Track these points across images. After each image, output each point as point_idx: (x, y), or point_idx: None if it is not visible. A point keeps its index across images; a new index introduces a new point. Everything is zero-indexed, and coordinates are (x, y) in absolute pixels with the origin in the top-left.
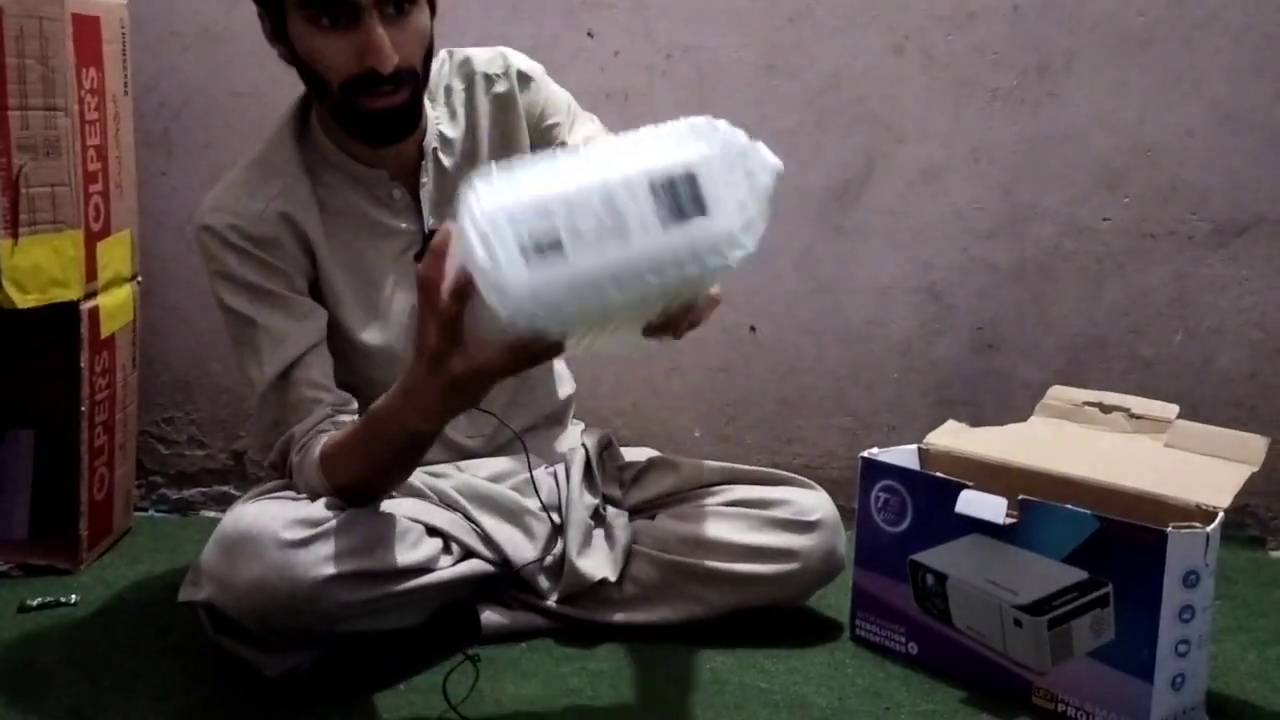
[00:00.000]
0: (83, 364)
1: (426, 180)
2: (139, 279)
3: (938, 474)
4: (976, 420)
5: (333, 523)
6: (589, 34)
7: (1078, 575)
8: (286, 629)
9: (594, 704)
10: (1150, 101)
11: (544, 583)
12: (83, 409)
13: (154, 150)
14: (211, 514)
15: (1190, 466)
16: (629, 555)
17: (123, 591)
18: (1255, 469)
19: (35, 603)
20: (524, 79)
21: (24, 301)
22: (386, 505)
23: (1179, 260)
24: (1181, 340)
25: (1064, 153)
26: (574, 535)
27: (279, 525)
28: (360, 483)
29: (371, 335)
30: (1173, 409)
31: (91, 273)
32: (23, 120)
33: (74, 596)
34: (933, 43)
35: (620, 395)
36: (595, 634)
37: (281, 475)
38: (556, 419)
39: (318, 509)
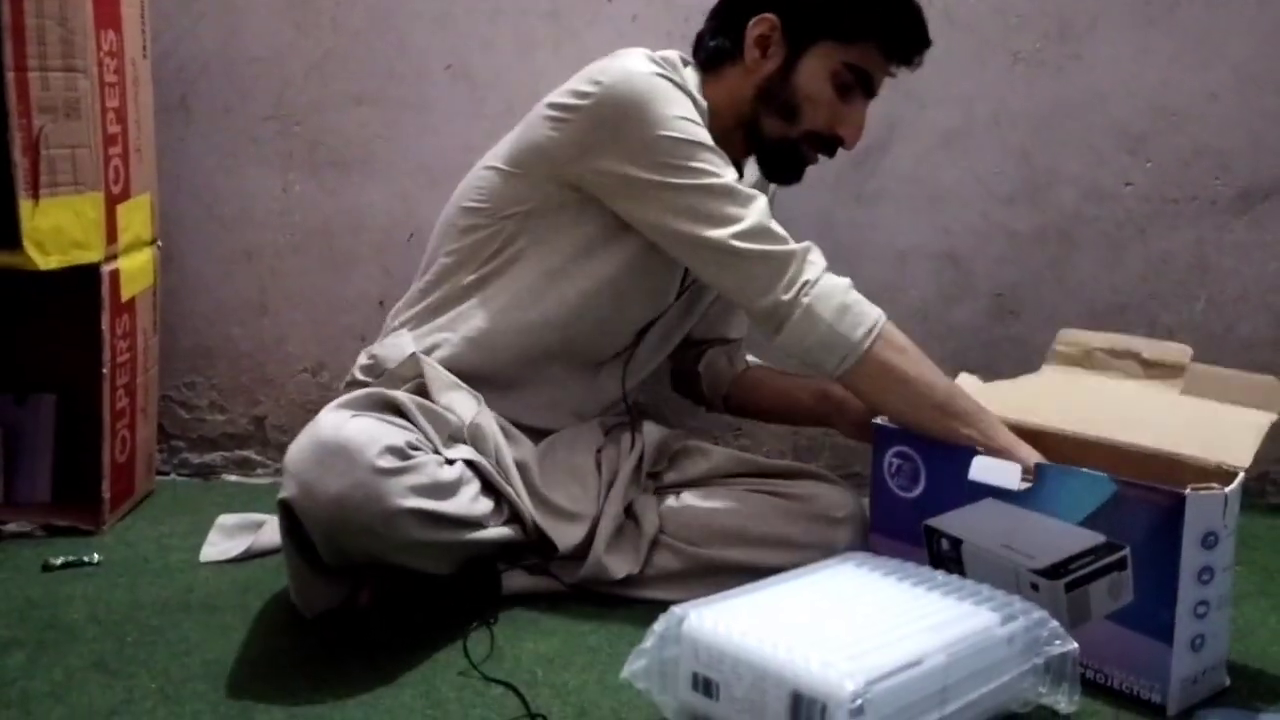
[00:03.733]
0: (104, 326)
1: None
2: (159, 243)
3: None
4: None
5: (417, 459)
6: None
7: (1095, 538)
8: (355, 548)
9: (613, 662)
10: (1173, 65)
11: (563, 569)
12: (104, 371)
13: (172, 115)
14: (233, 478)
15: (1209, 419)
16: (654, 544)
17: (145, 551)
18: (1275, 415)
19: (59, 562)
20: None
21: (45, 263)
22: (458, 455)
23: (1201, 225)
24: (1203, 307)
25: (1085, 117)
26: (605, 529)
27: (375, 450)
28: (898, 382)
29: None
30: (1186, 351)
31: (112, 235)
32: (43, 81)
33: (97, 556)
34: (954, 5)
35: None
36: (615, 596)
37: (785, 263)
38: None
39: (407, 440)
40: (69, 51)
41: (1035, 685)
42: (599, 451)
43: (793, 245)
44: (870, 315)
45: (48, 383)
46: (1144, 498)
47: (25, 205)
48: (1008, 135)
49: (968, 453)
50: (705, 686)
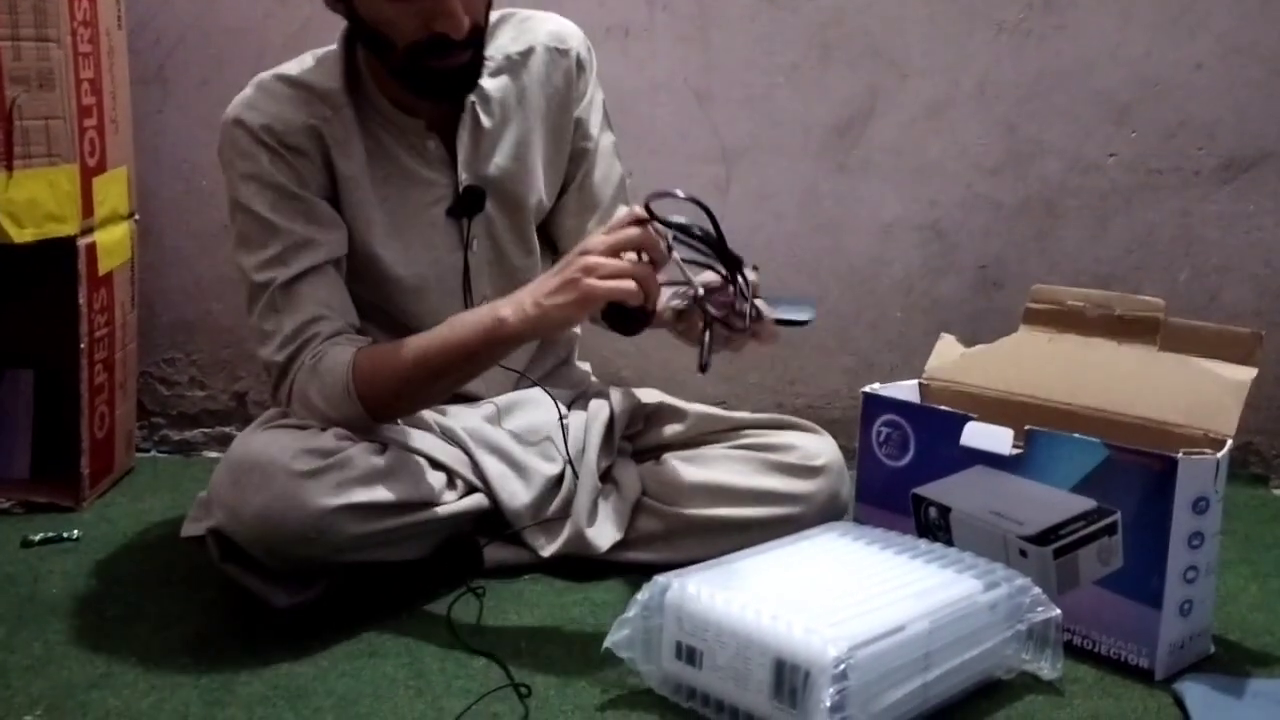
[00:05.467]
0: (81, 300)
1: (464, 134)
2: (136, 217)
3: (941, 407)
4: None
5: (342, 454)
6: None
7: (1085, 504)
8: (294, 558)
9: (596, 634)
10: (1158, 34)
11: (540, 540)
12: (82, 346)
13: (149, 88)
14: (214, 454)
15: (1191, 380)
16: (636, 506)
17: (125, 528)
18: (1254, 372)
19: (38, 538)
20: (581, 66)
21: (20, 236)
22: (391, 436)
23: (1185, 196)
24: (1187, 277)
25: (1070, 87)
26: (583, 501)
27: (289, 456)
28: (395, 394)
29: (403, 271)
30: (1159, 305)
31: (88, 208)
32: (14, 51)
33: (76, 532)
34: None
35: (622, 336)
36: (598, 567)
37: (282, 375)
38: (566, 359)
39: (327, 440)
40: (41, 20)
41: (1018, 652)
42: (563, 419)
43: (275, 356)
44: (333, 385)
45: (25, 358)
46: (1136, 462)
47: None
48: (992, 106)
49: (959, 420)
50: (689, 655)
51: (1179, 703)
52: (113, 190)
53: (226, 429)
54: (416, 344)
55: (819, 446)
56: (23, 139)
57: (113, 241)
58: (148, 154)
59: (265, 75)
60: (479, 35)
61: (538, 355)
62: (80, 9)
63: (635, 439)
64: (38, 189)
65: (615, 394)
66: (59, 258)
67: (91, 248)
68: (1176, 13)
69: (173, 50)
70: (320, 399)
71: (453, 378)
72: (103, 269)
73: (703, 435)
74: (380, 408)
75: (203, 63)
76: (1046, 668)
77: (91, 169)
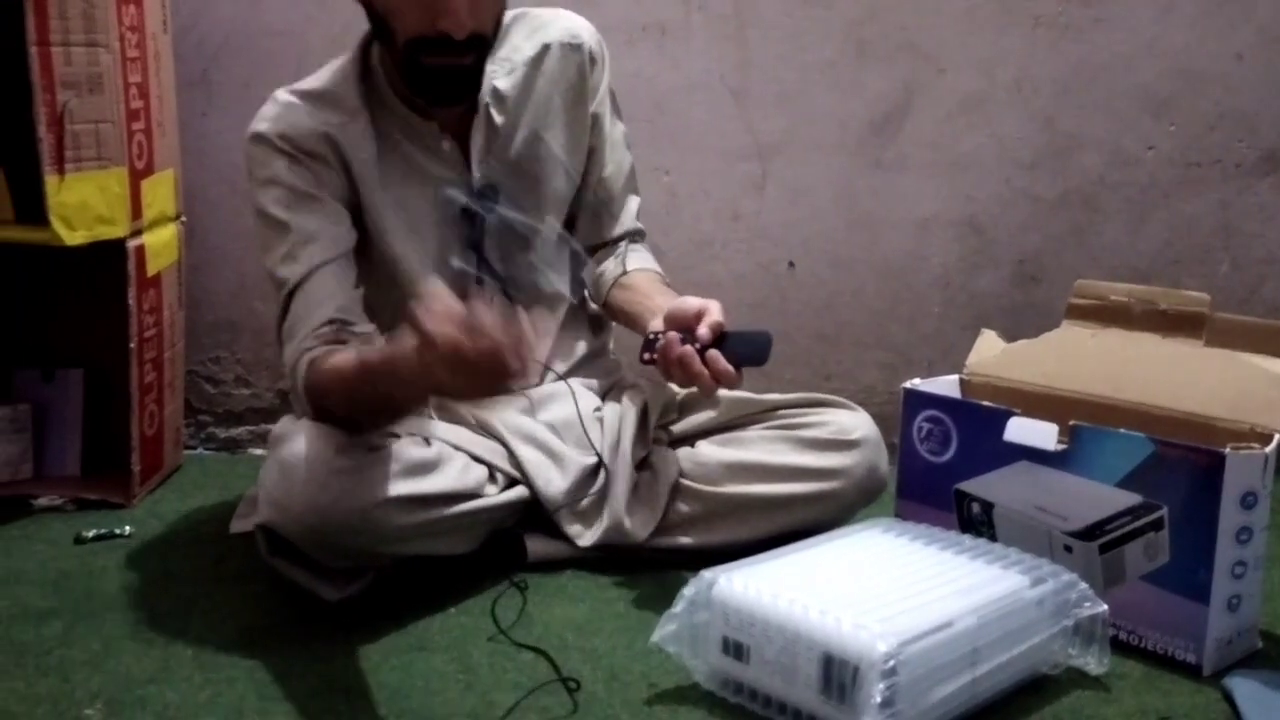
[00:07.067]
0: (130, 301)
1: (477, 134)
2: (183, 219)
3: (984, 402)
4: None
5: (386, 449)
6: None
7: (1130, 499)
8: (342, 550)
9: (642, 627)
10: (1197, 26)
11: (577, 528)
12: (131, 346)
13: (194, 91)
14: (259, 451)
15: (1236, 376)
16: (674, 490)
17: (175, 524)
18: None
19: (91, 534)
20: (594, 59)
21: (72, 239)
22: (430, 432)
23: (1225, 189)
24: (1227, 270)
25: (1108, 80)
26: (620, 490)
27: (333, 451)
28: (339, 416)
29: (420, 270)
30: (1204, 300)
31: (137, 211)
32: (65, 56)
33: (128, 528)
34: None
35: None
36: (640, 559)
37: (292, 378)
38: (598, 352)
39: (372, 435)
40: (91, 26)
41: (1065, 647)
42: (597, 410)
43: (287, 351)
44: (299, 395)
45: (75, 358)
46: (1183, 457)
47: (51, 181)
48: (1030, 100)
49: (1002, 415)
50: (736, 650)
51: (1228, 699)
52: (160, 192)
53: (271, 426)
54: (343, 371)
55: (854, 421)
56: (73, 143)
57: (161, 243)
58: (193, 156)
59: (280, 90)
60: (483, 42)
61: (569, 345)
62: (128, 14)
63: (670, 427)
64: (88, 192)
65: (649, 384)
66: (109, 259)
67: (140, 249)
68: (1216, 4)
69: (216, 54)
70: (298, 408)
71: (382, 422)
72: (151, 270)
73: (737, 419)
74: (338, 425)
75: (246, 66)
76: (1093, 663)
77: (140, 172)
